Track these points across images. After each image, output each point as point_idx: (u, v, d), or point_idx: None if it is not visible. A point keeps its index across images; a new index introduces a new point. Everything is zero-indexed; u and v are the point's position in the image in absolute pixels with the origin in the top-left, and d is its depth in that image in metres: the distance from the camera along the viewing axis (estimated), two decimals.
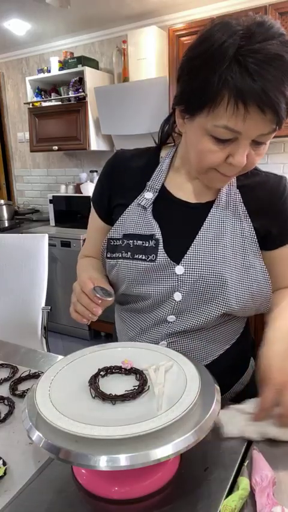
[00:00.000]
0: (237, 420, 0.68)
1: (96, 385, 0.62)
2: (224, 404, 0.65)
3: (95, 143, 3.17)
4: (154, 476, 0.58)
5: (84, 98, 3.03)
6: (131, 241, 0.80)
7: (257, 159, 0.69)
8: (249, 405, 0.69)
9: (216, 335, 0.84)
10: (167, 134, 0.84)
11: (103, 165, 0.90)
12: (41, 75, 3.29)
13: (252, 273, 0.77)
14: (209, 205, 0.79)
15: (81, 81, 3.05)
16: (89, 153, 3.51)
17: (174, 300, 0.78)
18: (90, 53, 3.31)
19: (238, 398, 0.73)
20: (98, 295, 0.72)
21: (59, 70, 3.18)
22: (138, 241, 0.79)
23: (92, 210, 0.92)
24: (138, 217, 0.81)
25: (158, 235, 0.78)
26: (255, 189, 0.79)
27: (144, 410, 0.56)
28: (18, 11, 2.85)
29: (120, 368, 0.67)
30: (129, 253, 0.79)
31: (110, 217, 0.87)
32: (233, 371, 0.89)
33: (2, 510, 0.56)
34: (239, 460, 0.63)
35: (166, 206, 0.81)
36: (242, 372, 0.90)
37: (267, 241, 0.79)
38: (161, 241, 0.78)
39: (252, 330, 0.98)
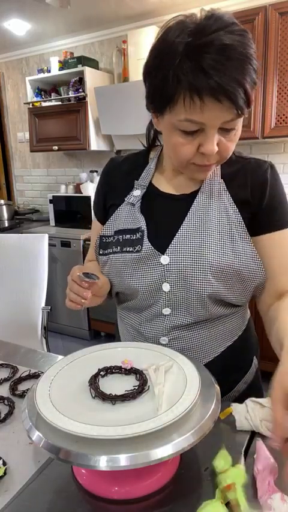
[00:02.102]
0: (254, 415, 0.69)
1: (96, 385, 0.62)
2: (224, 403, 0.65)
3: (95, 143, 3.17)
4: (154, 476, 0.58)
5: (84, 98, 3.04)
6: (121, 236, 0.83)
7: (230, 145, 0.70)
8: (268, 399, 0.69)
9: (217, 331, 0.84)
10: (154, 136, 0.88)
11: (103, 165, 0.93)
12: (41, 75, 3.29)
13: (242, 259, 0.77)
14: (194, 196, 0.80)
15: (81, 81, 3.05)
16: (89, 153, 3.51)
17: (163, 291, 0.79)
18: (90, 53, 3.31)
19: (242, 398, 0.73)
20: (86, 279, 0.76)
21: (59, 70, 3.18)
22: (127, 235, 0.82)
23: (94, 217, 0.97)
24: (127, 214, 0.84)
25: (144, 227, 0.80)
26: (238, 176, 0.80)
27: (144, 410, 0.56)
28: (18, 11, 2.85)
29: (120, 368, 0.67)
30: (118, 247, 0.82)
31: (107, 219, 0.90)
32: (236, 369, 0.89)
33: (2, 510, 0.56)
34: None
35: (152, 200, 0.84)
36: (245, 371, 0.90)
37: (254, 227, 0.79)
38: (145, 232, 0.80)
39: (258, 329, 0.98)
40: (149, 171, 0.86)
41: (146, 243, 0.79)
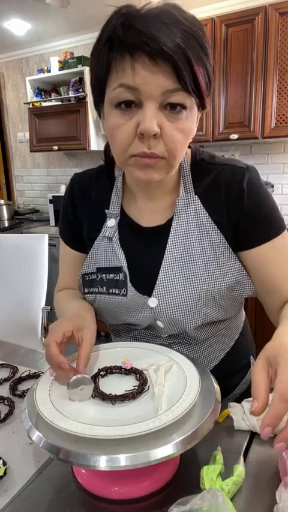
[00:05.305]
0: (250, 415, 0.68)
1: (96, 385, 0.62)
2: (225, 405, 0.65)
3: (95, 143, 3.17)
4: (154, 476, 0.58)
5: (84, 98, 3.04)
6: (104, 276, 0.78)
7: (178, 136, 0.60)
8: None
9: (214, 343, 0.83)
10: None
11: None
12: (41, 75, 3.29)
13: (231, 277, 0.73)
14: (170, 225, 0.74)
15: (81, 81, 3.05)
16: (89, 153, 3.51)
17: (158, 326, 0.78)
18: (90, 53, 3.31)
19: (243, 398, 0.73)
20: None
21: (59, 70, 3.18)
22: (110, 275, 0.77)
23: (62, 242, 0.88)
24: (106, 249, 0.78)
25: (125, 267, 0.75)
26: (211, 191, 0.72)
27: (144, 410, 0.56)
28: (18, 11, 2.85)
29: (120, 368, 0.67)
30: (104, 287, 0.78)
31: (82, 245, 0.84)
32: (236, 372, 0.89)
33: (2, 510, 0.56)
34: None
35: (129, 233, 0.78)
36: (244, 372, 0.91)
37: (240, 242, 0.73)
38: (127, 274, 0.75)
39: (252, 329, 0.98)
40: (117, 194, 0.78)
41: (131, 288, 0.75)
